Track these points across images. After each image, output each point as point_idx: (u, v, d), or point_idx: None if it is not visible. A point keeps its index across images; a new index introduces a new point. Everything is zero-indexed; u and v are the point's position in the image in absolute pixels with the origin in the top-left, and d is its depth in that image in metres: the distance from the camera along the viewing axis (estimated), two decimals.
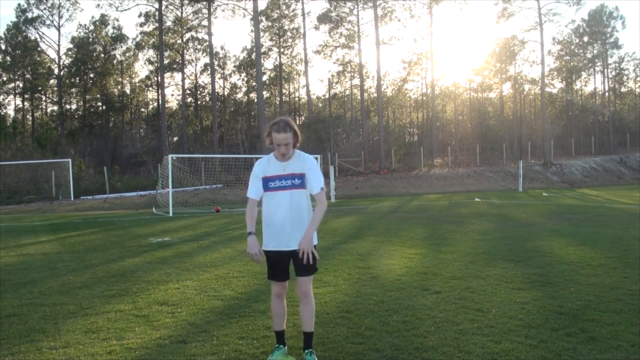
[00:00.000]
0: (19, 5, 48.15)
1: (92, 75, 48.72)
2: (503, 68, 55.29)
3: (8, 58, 47.18)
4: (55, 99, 49.59)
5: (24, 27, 45.88)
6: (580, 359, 3.74)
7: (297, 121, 55.33)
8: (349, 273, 6.85)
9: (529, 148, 45.19)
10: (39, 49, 47.38)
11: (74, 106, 51.31)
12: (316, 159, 4.07)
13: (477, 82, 58.70)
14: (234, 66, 54.08)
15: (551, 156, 42.87)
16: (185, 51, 49.02)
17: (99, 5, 52.40)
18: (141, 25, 46.69)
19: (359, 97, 51.53)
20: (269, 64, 51.21)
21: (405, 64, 53.38)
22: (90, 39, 47.94)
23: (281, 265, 3.85)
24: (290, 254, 3.80)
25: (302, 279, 3.84)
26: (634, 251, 8.16)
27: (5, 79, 48.48)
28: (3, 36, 47.44)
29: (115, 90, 50.87)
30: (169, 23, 44.69)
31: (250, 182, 3.90)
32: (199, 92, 53.75)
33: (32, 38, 46.61)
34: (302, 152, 3.90)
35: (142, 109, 54.32)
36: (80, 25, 53.96)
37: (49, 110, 52.35)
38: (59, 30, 46.00)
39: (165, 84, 44.94)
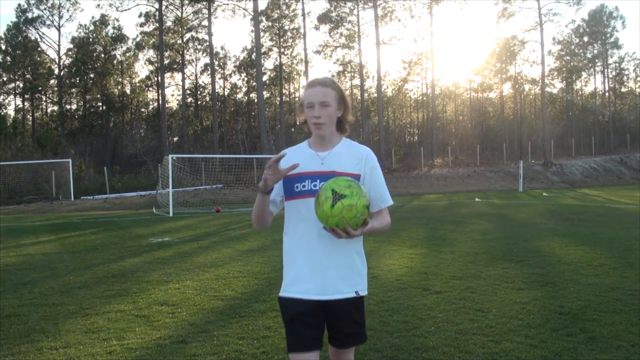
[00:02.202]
0: (19, 5, 48.18)
1: (92, 76, 48.70)
2: (503, 68, 55.28)
3: (8, 58, 47.15)
4: (55, 99, 49.58)
5: (24, 27, 45.86)
6: (581, 359, 3.74)
7: (298, 121, 55.30)
8: None
9: (529, 148, 45.18)
10: (39, 49, 47.36)
11: (74, 106, 51.32)
12: None
13: (477, 82, 58.72)
14: (234, 66, 54.09)
15: (551, 156, 42.86)
16: (185, 51, 49.00)
17: (99, 5, 52.53)
18: (141, 25, 46.71)
19: (359, 97, 51.48)
20: (269, 64, 51.25)
21: (405, 64, 53.41)
22: (91, 39, 47.93)
23: (310, 324, 2.32)
24: (325, 306, 2.33)
25: (343, 352, 2.44)
26: (634, 251, 8.16)
27: (5, 79, 48.47)
28: (3, 36, 47.44)
29: (116, 90, 50.86)
30: (169, 23, 44.69)
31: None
32: (199, 92, 53.75)
33: (32, 38, 46.60)
34: (355, 142, 2.48)
35: (142, 109, 54.31)
36: (81, 25, 54.05)
37: (49, 110, 52.37)
38: (59, 30, 46.01)
39: (166, 84, 44.94)
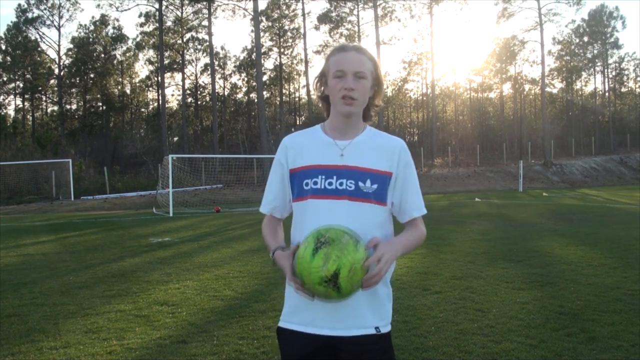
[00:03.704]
0: (19, 5, 48.15)
1: (92, 76, 48.71)
2: (503, 68, 55.29)
3: (8, 58, 47.17)
4: (55, 99, 49.58)
5: (24, 27, 45.87)
6: (581, 359, 3.74)
7: (298, 121, 55.40)
8: None
9: (529, 148, 45.18)
10: (39, 49, 47.37)
11: (74, 106, 51.34)
12: None
13: (477, 82, 58.71)
14: (234, 66, 54.10)
15: (551, 156, 42.87)
16: (185, 51, 48.99)
17: (99, 5, 52.39)
18: (141, 25, 46.71)
19: None
20: (269, 64, 51.28)
21: (405, 64, 53.37)
22: (91, 39, 47.94)
23: None
24: (337, 345, 1.79)
25: None
26: (634, 251, 8.16)
27: (5, 79, 48.48)
28: (3, 36, 47.48)
29: (116, 90, 50.87)
30: (169, 23, 44.70)
31: (269, 183, 1.93)
32: (199, 92, 53.76)
33: (32, 38, 46.61)
34: (383, 132, 1.93)
35: (143, 109, 54.31)
36: (81, 25, 54.05)
37: (49, 110, 52.39)
38: (59, 30, 46.03)
39: (166, 84, 44.94)
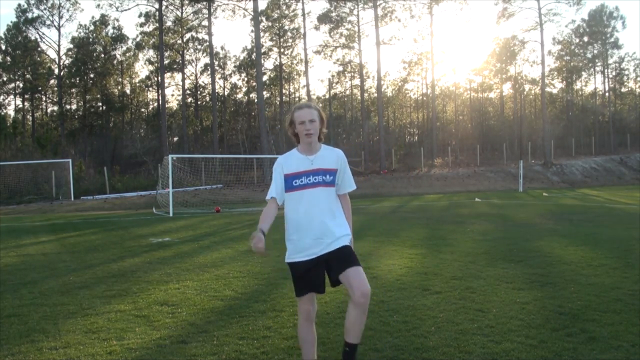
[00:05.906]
0: (19, 5, 48.20)
1: (92, 76, 48.70)
2: (503, 68, 55.28)
3: (8, 58, 47.16)
4: (55, 99, 49.58)
5: (24, 27, 45.87)
6: (581, 359, 3.74)
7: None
8: None
9: (529, 148, 45.18)
10: (39, 49, 47.36)
11: (74, 106, 51.32)
12: None
13: (477, 82, 58.70)
14: (234, 66, 54.08)
15: (551, 156, 42.85)
16: (185, 51, 48.99)
17: (99, 5, 52.22)
18: (141, 25, 46.69)
19: (359, 97, 51.53)
20: (269, 64, 51.26)
21: (405, 64, 53.39)
22: (91, 39, 47.93)
23: (317, 275, 3.30)
24: (327, 256, 3.26)
25: (355, 271, 3.20)
26: (634, 251, 8.16)
27: (5, 79, 48.46)
28: (3, 36, 47.48)
29: (116, 90, 50.86)
30: (169, 23, 44.67)
31: (273, 180, 3.32)
32: (199, 92, 53.75)
33: (32, 38, 46.61)
34: (330, 146, 3.44)
35: (142, 109, 54.30)
36: (81, 25, 54.02)
37: (49, 110, 52.38)
38: (59, 30, 46.02)
39: (166, 84, 44.92)
